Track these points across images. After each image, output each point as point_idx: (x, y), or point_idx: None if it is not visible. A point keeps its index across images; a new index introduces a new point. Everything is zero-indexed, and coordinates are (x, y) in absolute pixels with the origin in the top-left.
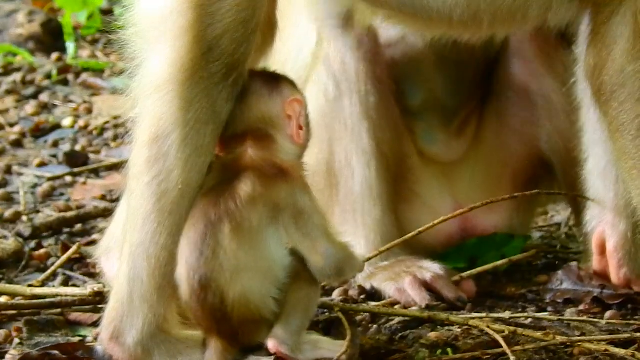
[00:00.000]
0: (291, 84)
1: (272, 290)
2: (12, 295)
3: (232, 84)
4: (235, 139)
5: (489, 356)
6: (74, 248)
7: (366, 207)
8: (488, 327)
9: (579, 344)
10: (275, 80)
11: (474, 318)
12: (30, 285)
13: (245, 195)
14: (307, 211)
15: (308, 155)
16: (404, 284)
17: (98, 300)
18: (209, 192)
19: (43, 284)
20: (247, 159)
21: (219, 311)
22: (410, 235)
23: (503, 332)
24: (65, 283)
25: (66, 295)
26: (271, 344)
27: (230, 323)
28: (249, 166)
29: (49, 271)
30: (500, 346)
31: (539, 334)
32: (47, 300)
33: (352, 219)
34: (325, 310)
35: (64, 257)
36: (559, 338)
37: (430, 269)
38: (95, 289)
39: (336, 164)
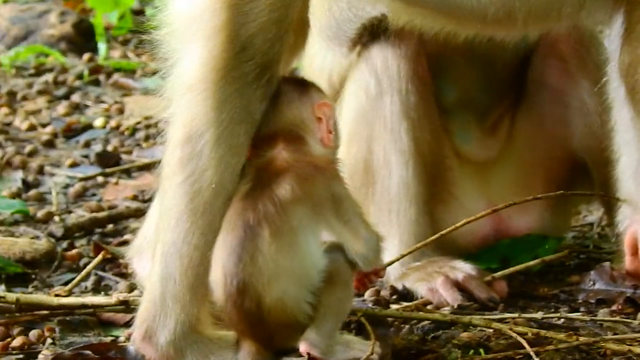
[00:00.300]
0: (319, 89)
1: (308, 295)
2: (38, 305)
3: (266, 84)
4: (266, 141)
5: (521, 356)
6: (101, 254)
7: (402, 207)
8: (511, 329)
9: (603, 344)
10: (304, 85)
11: (499, 320)
12: (57, 295)
13: (284, 198)
14: (345, 199)
15: (346, 153)
16: (436, 284)
17: (124, 308)
18: (246, 196)
19: (75, 285)
20: (281, 160)
21: (255, 316)
22: (435, 236)
23: (526, 334)
24: (97, 284)
25: (92, 305)
26: (303, 347)
27: (265, 327)
28: (285, 168)
29: (79, 276)
30: (534, 345)
31: (562, 335)
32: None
33: (387, 219)
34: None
35: (94, 262)
36: (582, 339)
37: (463, 269)
38: (121, 297)
39: (374, 163)
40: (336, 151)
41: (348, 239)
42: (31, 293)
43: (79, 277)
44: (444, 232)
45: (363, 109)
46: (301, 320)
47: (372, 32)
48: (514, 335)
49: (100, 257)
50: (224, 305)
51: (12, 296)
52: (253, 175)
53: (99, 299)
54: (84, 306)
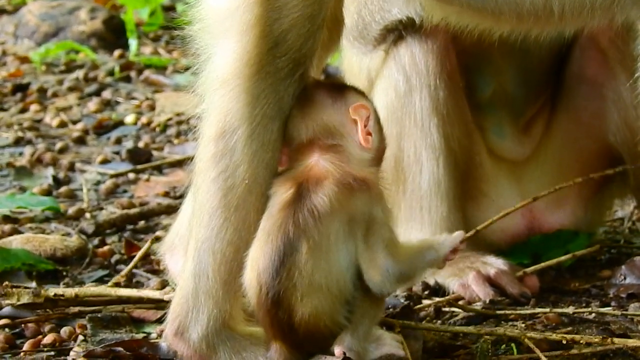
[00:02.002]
0: (357, 91)
1: (342, 309)
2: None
3: (299, 80)
4: (301, 150)
5: (553, 351)
6: (143, 249)
7: (433, 204)
8: (524, 337)
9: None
10: (339, 89)
11: (531, 315)
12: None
13: (324, 210)
14: (379, 222)
15: None
16: (467, 280)
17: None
18: (285, 206)
19: (105, 282)
20: (320, 169)
21: (287, 325)
22: (473, 231)
23: (535, 338)
24: (129, 280)
25: (150, 299)
26: (338, 351)
27: (297, 336)
28: (324, 176)
29: (120, 274)
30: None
31: (596, 339)
32: (114, 296)
33: (418, 216)
34: (389, 307)
35: (136, 258)
36: (616, 340)
37: (494, 264)
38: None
39: (404, 160)
40: (380, 154)
41: (364, 263)
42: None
43: (119, 276)
44: (481, 226)
45: (392, 107)
46: (335, 331)
47: (398, 33)
48: (529, 344)
49: (143, 251)
50: (256, 310)
51: (70, 292)
52: (292, 184)
53: (154, 293)
54: (140, 300)
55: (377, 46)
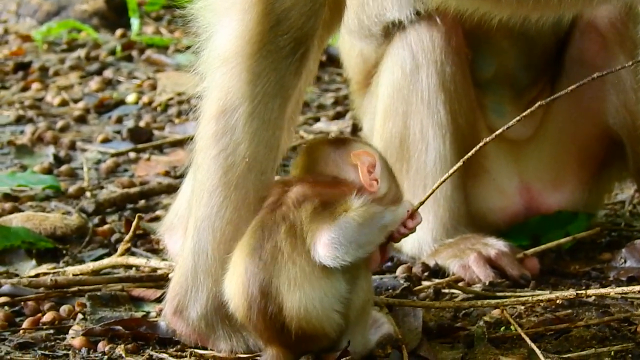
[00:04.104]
0: (360, 141)
1: (335, 303)
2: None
3: (300, 58)
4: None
5: (552, 332)
6: (132, 228)
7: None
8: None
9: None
10: (343, 140)
11: (530, 298)
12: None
13: (296, 194)
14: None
15: (381, 129)
16: (468, 261)
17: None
18: (266, 208)
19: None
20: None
21: (280, 321)
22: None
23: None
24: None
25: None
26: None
27: (290, 333)
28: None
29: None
30: (565, 322)
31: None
32: (115, 275)
33: (422, 194)
34: (389, 288)
35: (127, 237)
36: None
37: (495, 245)
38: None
39: (410, 138)
40: (388, 202)
41: (309, 237)
42: (62, 269)
43: (118, 252)
44: (424, 198)
45: (399, 84)
46: (329, 331)
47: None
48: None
49: (136, 221)
50: (247, 313)
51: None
52: (276, 195)
53: (158, 263)
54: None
55: (381, 44)
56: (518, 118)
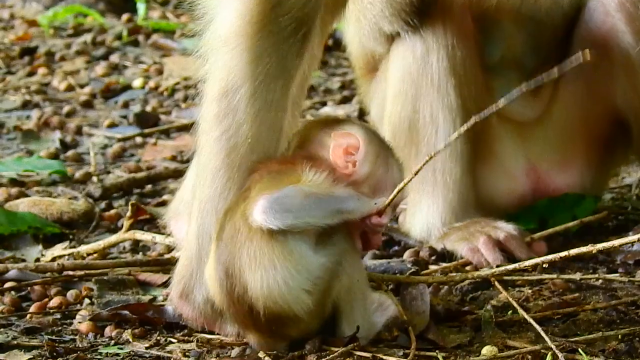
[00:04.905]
0: (357, 125)
1: (303, 282)
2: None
3: (302, 39)
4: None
5: (559, 316)
6: (128, 213)
7: (447, 166)
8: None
9: None
10: (337, 121)
11: (538, 281)
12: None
13: (260, 173)
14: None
15: (391, 112)
16: (477, 244)
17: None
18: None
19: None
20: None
21: (247, 304)
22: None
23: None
24: (135, 244)
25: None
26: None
27: (258, 316)
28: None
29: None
30: (572, 306)
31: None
32: (121, 259)
33: (431, 179)
34: (396, 272)
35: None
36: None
37: (504, 228)
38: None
39: (419, 122)
40: (362, 184)
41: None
42: (70, 253)
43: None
44: (395, 192)
45: (409, 68)
46: (298, 311)
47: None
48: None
49: (130, 208)
50: (220, 297)
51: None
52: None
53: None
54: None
55: (386, 44)
56: (502, 101)
